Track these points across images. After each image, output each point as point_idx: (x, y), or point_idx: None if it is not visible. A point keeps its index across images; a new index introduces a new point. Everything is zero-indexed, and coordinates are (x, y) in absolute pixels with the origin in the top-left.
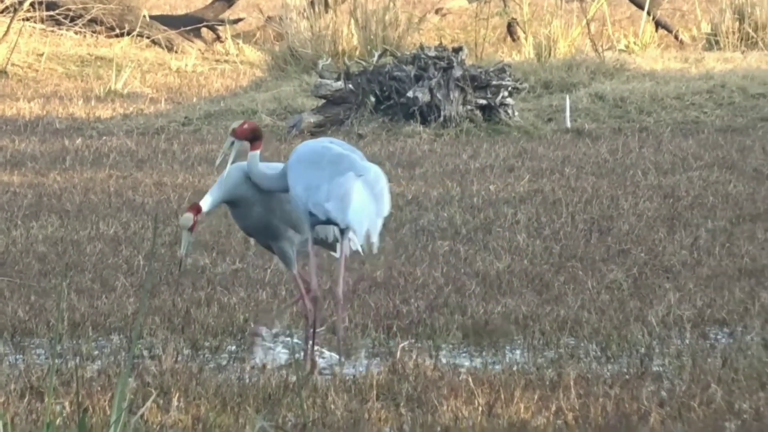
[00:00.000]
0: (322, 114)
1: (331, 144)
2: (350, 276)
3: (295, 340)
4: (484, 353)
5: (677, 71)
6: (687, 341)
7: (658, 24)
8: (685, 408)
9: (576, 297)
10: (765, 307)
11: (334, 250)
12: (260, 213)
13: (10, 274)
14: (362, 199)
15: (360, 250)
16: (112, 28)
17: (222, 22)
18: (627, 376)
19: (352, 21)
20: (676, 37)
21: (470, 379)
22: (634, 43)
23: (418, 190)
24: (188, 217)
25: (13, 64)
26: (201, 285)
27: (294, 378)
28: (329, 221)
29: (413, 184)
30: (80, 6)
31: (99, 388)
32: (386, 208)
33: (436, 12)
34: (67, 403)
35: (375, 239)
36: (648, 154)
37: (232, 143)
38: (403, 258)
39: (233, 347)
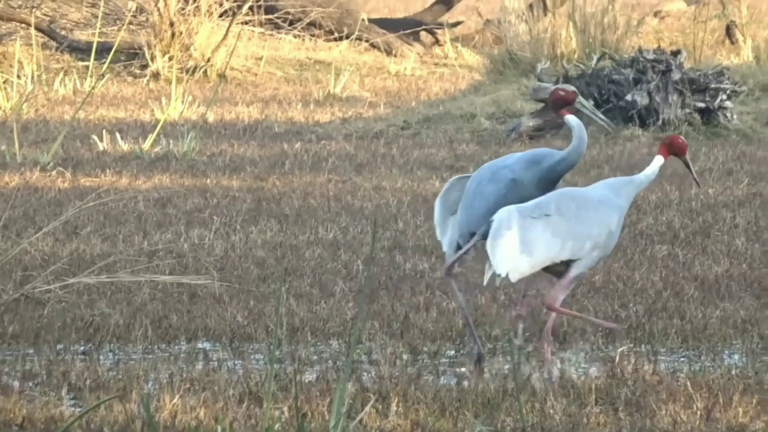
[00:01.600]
0: (540, 118)
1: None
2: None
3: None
4: (702, 357)
5: None
6: None
7: None
8: None
9: None
10: None
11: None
12: None
13: (229, 279)
14: None
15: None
16: (330, 32)
17: (441, 25)
18: None
19: (571, 24)
20: None
21: (689, 384)
22: None
23: (636, 194)
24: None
25: (232, 68)
26: (420, 290)
27: (513, 383)
28: None
29: None
30: (299, 10)
31: (318, 393)
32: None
33: (655, 15)
34: (285, 409)
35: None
36: None
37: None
38: (622, 262)
39: (452, 352)
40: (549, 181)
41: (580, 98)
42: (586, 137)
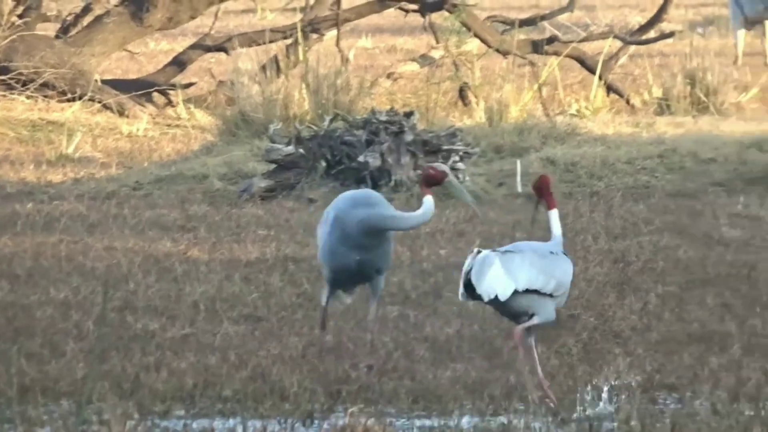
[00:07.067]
0: (272, 179)
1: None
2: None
3: None
4: (433, 418)
5: (628, 135)
6: (636, 406)
7: (610, 88)
8: None
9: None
10: (714, 372)
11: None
12: None
13: None
14: None
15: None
16: (63, 93)
17: (173, 86)
18: None
19: (304, 85)
20: (627, 102)
21: None
22: (586, 107)
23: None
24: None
25: None
26: (150, 350)
27: None
28: None
29: None
30: (32, 70)
31: None
32: None
33: (388, 76)
34: None
35: None
36: (599, 218)
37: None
38: (353, 323)
39: (182, 412)
40: (375, 227)
41: (451, 177)
42: (429, 218)
